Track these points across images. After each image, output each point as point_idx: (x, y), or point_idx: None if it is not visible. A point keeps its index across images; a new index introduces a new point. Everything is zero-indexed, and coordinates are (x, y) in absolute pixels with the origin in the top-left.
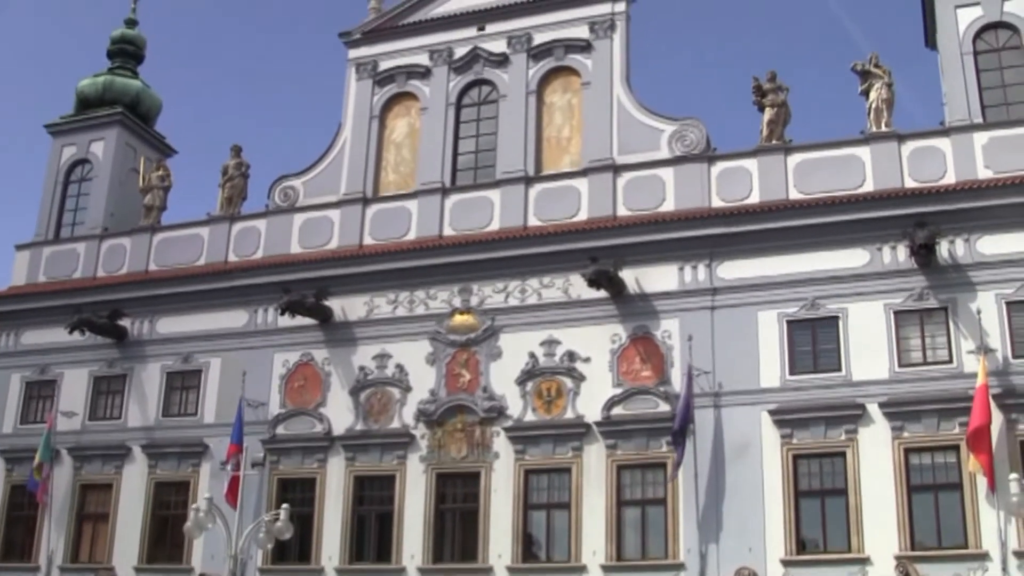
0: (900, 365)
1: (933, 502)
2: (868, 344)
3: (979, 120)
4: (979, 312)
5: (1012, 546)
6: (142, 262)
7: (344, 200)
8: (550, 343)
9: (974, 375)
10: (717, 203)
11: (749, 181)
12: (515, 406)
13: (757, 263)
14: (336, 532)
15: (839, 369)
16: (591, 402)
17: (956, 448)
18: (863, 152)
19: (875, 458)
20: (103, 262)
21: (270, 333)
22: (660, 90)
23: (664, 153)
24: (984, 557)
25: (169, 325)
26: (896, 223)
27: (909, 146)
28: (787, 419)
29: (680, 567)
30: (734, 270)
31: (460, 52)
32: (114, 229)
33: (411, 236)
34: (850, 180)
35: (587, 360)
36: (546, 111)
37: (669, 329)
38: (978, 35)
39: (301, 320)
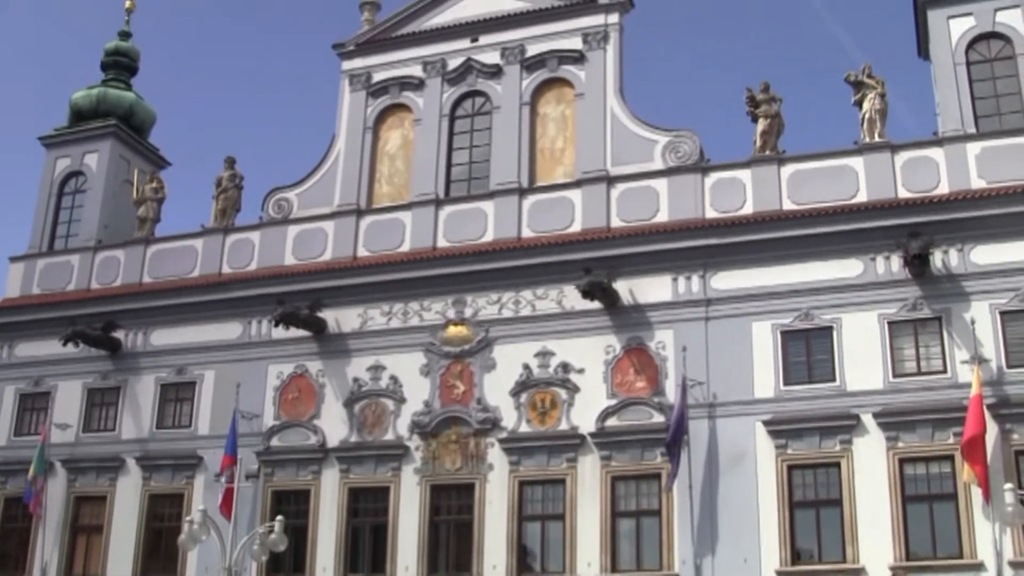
0: (894, 375)
1: (928, 512)
2: (862, 354)
3: (972, 130)
4: (973, 322)
5: (1007, 556)
6: (136, 274)
7: (338, 212)
8: (544, 354)
9: (968, 385)
10: (711, 214)
11: (743, 192)
12: (509, 417)
13: (751, 274)
14: (330, 544)
15: (833, 379)
16: (585, 413)
17: (951, 458)
18: (856, 162)
19: (870, 468)
20: (97, 274)
21: (264, 345)
22: (654, 101)
23: (658, 164)
24: (979, 567)
25: (163, 337)
26: (890, 233)
27: (902, 156)
28: (781, 430)
29: None
30: (728, 281)
31: (453, 63)
32: (108, 241)
33: (405, 248)
34: (844, 190)
35: (581, 371)
36: (540, 122)
37: (663, 340)
38: (971, 45)
39: (295, 332)
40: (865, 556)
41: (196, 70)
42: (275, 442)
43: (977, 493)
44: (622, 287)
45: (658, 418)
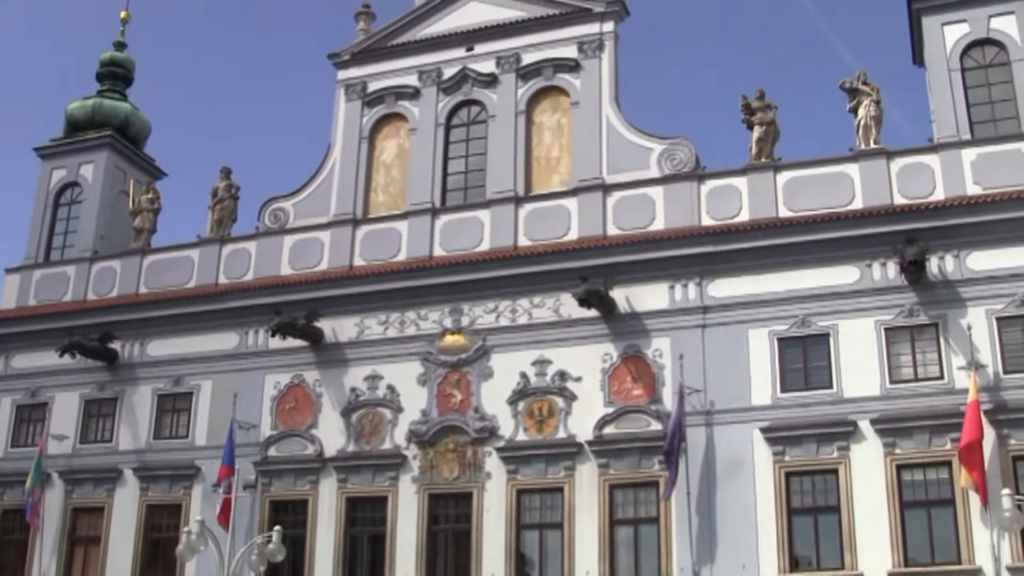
0: (891, 382)
1: (926, 518)
2: (859, 361)
3: (967, 136)
4: (969, 328)
5: (1005, 561)
6: (132, 285)
7: (334, 221)
8: (541, 363)
9: (965, 391)
10: (707, 221)
11: (739, 199)
12: (507, 426)
13: (747, 281)
14: (328, 554)
15: (830, 386)
16: (583, 421)
17: (948, 464)
18: (852, 169)
19: (867, 475)
20: (93, 285)
21: (261, 355)
22: (649, 109)
23: (654, 172)
24: (977, 573)
25: (160, 348)
26: (886, 240)
27: (898, 163)
28: (779, 436)
29: None
30: (724, 288)
31: (449, 72)
32: (104, 252)
33: (401, 257)
34: (839, 197)
35: (578, 379)
36: (535, 131)
37: (660, 348)
38: (965, 52)
39: (292, 342)
40: (863, 562)
41: (191, 80)
42: (272, 452)
43: (975, 499)
44: (619, 295)
45: (655, 426)
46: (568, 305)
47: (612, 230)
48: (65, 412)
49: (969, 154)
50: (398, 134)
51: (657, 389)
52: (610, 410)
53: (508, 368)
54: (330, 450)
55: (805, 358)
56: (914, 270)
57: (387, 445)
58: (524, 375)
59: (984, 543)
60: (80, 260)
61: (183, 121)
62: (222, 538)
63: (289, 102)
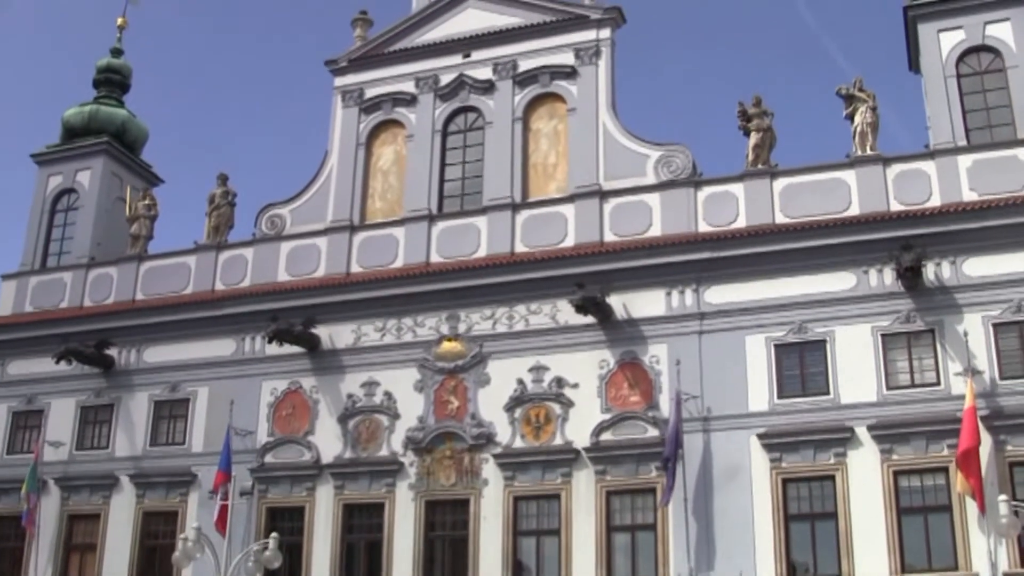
0: (888, 388)
1: (923, 524)
2: (856, 367)
3: (963, 143)
4: (966, 334)
5: (1002, 567)
6: (129, 291)
7: (331, 228)
8: (538, 369)
9: (962, 397)
10: (704, 228)
11: (735, 206)
12: (504, 433)
13: (744, 287)
14: (325, 561)
15: (827, 392)
16: (580, 428)
17: (945, 470)
18: (848, 176)
19: (864, 481)
20: (90, 291)
21: (258, 361)
22: (646, 116)
23: (650, 178)
24: None
25: (156, 354)
26: (882, 246)
27: (894, 169)
28: (776, 443)
29: None
30: (721, 295)
31: (446, 79)
32: (101, 258)
33: (398, 263)
34: (836, 204)
35: (575, 386)
36: (532, 137)
37: (657, 354)
38: (961, 58)
39: (289, 348)
40: (860, 568)
41: (188, 87)
42: (269, 459)
43: (972, 505)
44: (615, 301)
45: (652, 432)
46: (565, 312)
47: (609, 236)
48: (61, 418)
49: (965, 160)
50: (395, 141)
51: (654, 395)
52: (607, 416)
53: (505, 375)
54: (327, 457)
55: (802, 364)
56: (910, 276)
57: (384, 452)
58: (521, 381)
59: (981, 549)
60: (77, 266)
61: (180, 128)
62: (219, 545)
63: (286, 109)
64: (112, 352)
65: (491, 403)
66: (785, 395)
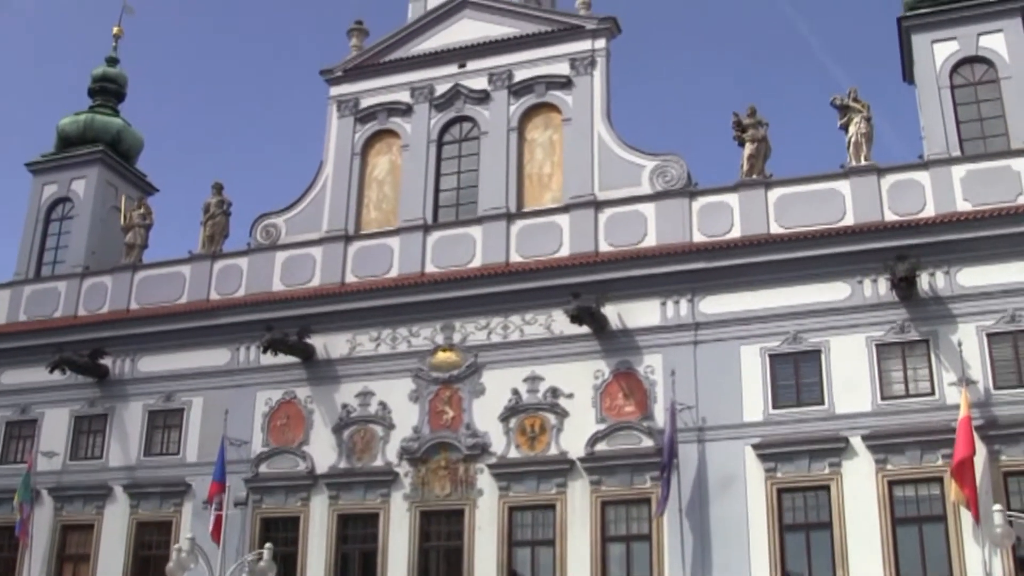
0: (883, 398)
1: (918, 534)
2: (850, 377)
3: (957, 153)
4: (960, 344)
5: None
6: (123, 301)
7: (326, 237)
8: (533, 379)
9: (956, 407)
10: (698, 238)
11: (730, 216)
12: (499, 443)
13: (739, 297)
14: (320, 571)
15: (822, 402)
16: (575, 438)
17: (940, 480)
18: (843, 186)
19: (859, 491)
20: (84, 301)
21: (252, 371)
22: (641, 126)
23: (645, 188)
24: None
25: (151, 364)
26: (877, 256)
27: (888, 179)
28: (771, 453)
29: None
30: (716, 305)
31: (441, 89)
32: (95, 268)
33: (393, 273)
34: (830, 214)
35: (570, 396)
36: (527, 147)
37: (652, 364)
38: (955, 69)
39: (284, 358)
40: None
41: (184, 96)
42: (264, 469)
43: (967, 515)
44: (610, 311)
45: (647, 442)
46: (560, 322)
47: (604, 247)
48: (55, 428)
49: (959, 171)
50: (390, 150)
51: (649, 406)
52: (602, 427)
53: (500, 385)
54: (321, 467)
55: (797, 374)
56: (905, 286)
57: (379, 462)
58: (516, 392)
59: (976, 559)
60: (71, 276)
61: (175, 137)
62: (213, 555)
63: (281, 118)
64: (106, 362)
65: (486, 413)
66: (780, 405)
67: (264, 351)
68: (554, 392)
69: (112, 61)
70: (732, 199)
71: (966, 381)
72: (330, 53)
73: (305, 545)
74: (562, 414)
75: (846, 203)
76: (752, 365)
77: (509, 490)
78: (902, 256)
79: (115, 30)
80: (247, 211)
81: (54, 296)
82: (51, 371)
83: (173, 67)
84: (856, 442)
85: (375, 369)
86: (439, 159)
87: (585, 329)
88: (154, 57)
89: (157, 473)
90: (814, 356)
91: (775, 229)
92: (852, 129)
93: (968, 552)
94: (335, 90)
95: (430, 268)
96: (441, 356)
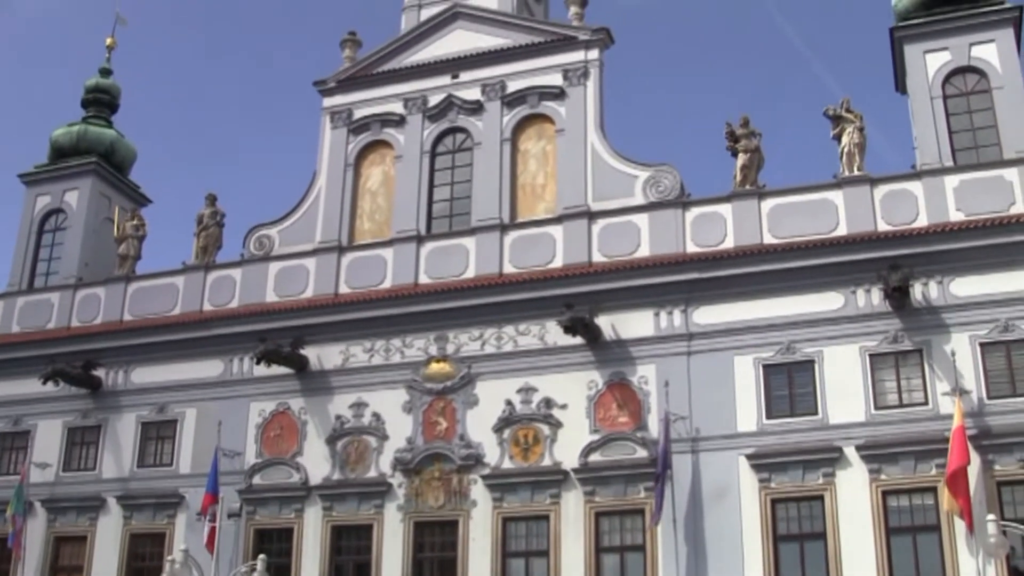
0: (876, 408)
1: (912, 544)
2: (844, 387)
3: (950, 163)
4: (953, 354)
5: None
6: (117, 312)
7: (319, 249)
8: (527, 390)
9: (950, 417)
10: (692, 248)
11: (723, 226)
12: (492, 454)
13: (732, 308)
14: None
15: (816, 412)
16: (568, 449)
17: (933, 490)
18: (836, 196)
19: (853, 501)
20: (77, 312)
21: (246, 382)
22: (634, 136)
23: (639, 199)
24: None
25: (144, 375)
26: (870, 266)
27: (881, 189)
28: (764, 463)
29: None
30: (710, 315)
31: (434, 100)
32: (88, 279)
33: (387, 284)
34: (824, 224)
35: (564, 407)
36: (521, 158)
37: (645, 375)
38: (947, 79)
39: (277, 369)
40: None
41: (177, 107)
42: (257, 480)
43: (960, 524)
44: (604, 322)
45: (641, 453)
46: (553, 332)
47: (597, 257)
48: (48, 440)
49: (952, 181)
50: (383, 161)
51: (643, 416)
52: (596, 437)
53: (493, 395)
54: (315, 478)
55: (790, 384)
56: (898, 296)
57: (372, 473)
58: (509, 402)
59: (970, 569)
60: (64, 287)
61: (168, 148)
62: (206, 567)
63: (274, 129)
64: (99, 373)
65: (480, 424)
66: (773, 415)
67: (257, 362)
68: (548, 403)
69: (105, 72)
70: (725, 209)
71: (960, 391)
72: (323, 64)
73: (299, 556)
74: (556, 425)
75: (839, 213)
76: (746, 375)
77: (503, 501)
78: (895, 266)
79: (108, 41)
80: (240, 222)
81: (47, 307)
82: (44, 382)
83: (166, 78)
84: (850, 452)
85: (369, 380)
86: (432, 170)
87: (579, 340)
88: (148, 68)
89: (150, 484)
90: (807, 366)
91: (768, 239)
92: (845, 139)
93: (962, 562)
94: (328, 101)
95: (423, 279)
96: (435, 367)
